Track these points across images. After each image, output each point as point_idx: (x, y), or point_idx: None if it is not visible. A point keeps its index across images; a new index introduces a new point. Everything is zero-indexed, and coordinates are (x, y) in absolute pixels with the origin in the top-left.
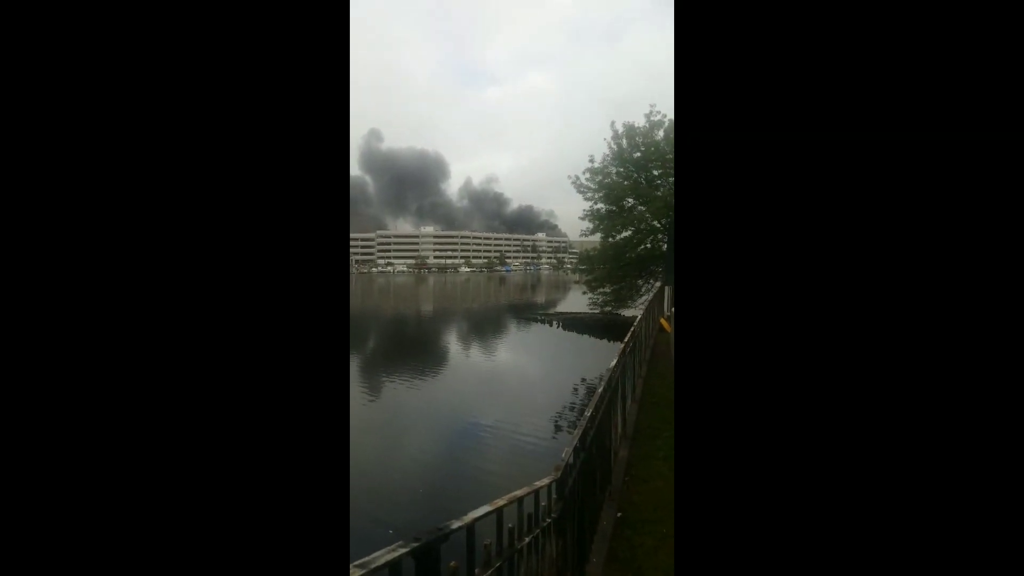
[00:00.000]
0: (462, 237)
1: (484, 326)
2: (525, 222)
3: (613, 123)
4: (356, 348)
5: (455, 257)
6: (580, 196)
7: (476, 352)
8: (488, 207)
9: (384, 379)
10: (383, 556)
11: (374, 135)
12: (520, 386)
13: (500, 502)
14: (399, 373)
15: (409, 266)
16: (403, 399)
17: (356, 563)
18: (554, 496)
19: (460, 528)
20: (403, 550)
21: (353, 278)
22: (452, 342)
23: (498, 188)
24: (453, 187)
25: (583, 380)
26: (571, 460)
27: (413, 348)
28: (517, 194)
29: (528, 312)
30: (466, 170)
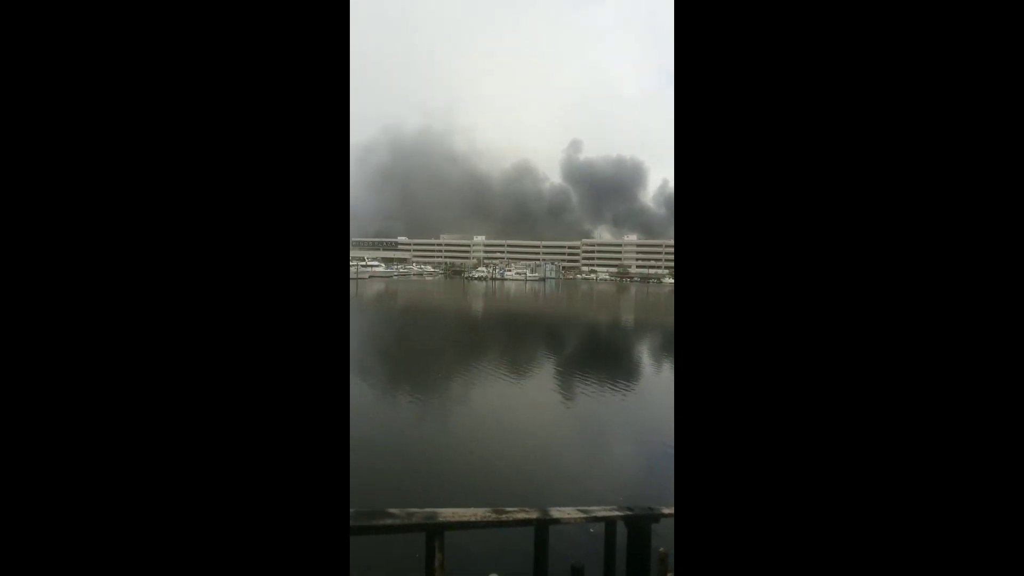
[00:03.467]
0: (667, 246)
1: None
2: None
3: None
4: (555, 351)
5: (659, 267)
6: None
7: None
8: None
9: (579, 385)
10: (601, 511)
11: (574, 146)
12: None
13: None
14: (595, 380)
15: (611, 274)
16: (598, 408)
17: (579, 507)
18: None
19: (669, 516)
20: (618, 512)
21: (560, 283)
22: (649, 355)
23: None
24: (651, 194)
25: None
26: None
27: (610, 357)
28: None
29: None
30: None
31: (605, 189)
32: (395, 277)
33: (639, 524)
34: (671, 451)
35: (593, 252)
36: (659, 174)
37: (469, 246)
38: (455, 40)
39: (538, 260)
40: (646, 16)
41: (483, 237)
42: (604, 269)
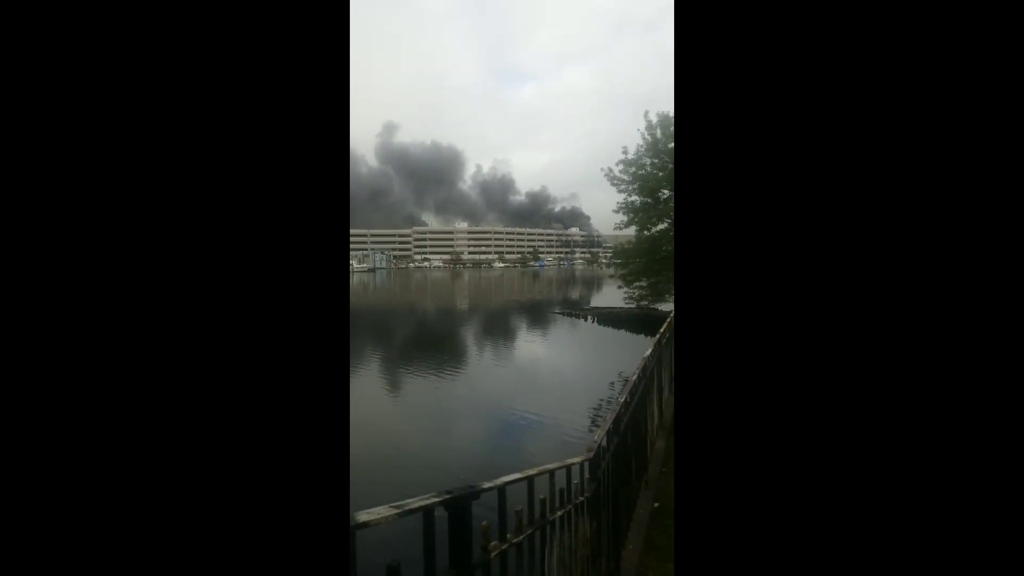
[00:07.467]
0: (495, 233)
1: (517, 321)
2: (540, 206)
3: (647, 113)
4: (386, 343)
5: (489, 252)
6: (614, 190)
7: (509, 347)
8: (496, 192)
9: (416, 373)
10: (416, 502)
11: (388, 129)
12: (556, 382)
13: (531, 472)
14: (434, 367)
15: (444, 261)
16: (435, 393)
17: (391, 504)
18: (587, 476)
19: (491, 489)
20: (436, 499)
21: (391, 273)
22: (486, 336)
23: (509, 172)
24: (470, 181)
25: (620, 375)
26: (604, 443)
27: (447, 342)
28: (554, 192)
29: (562, 307)
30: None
31: (426, 175)
32: None
33: (459, 505)
34: (507, 417)
35: (425, 240)
36: (474, 162)
37: None
38: None
39: (366, 250)
40: (475, 10)
41: None
42: (437, 257)
